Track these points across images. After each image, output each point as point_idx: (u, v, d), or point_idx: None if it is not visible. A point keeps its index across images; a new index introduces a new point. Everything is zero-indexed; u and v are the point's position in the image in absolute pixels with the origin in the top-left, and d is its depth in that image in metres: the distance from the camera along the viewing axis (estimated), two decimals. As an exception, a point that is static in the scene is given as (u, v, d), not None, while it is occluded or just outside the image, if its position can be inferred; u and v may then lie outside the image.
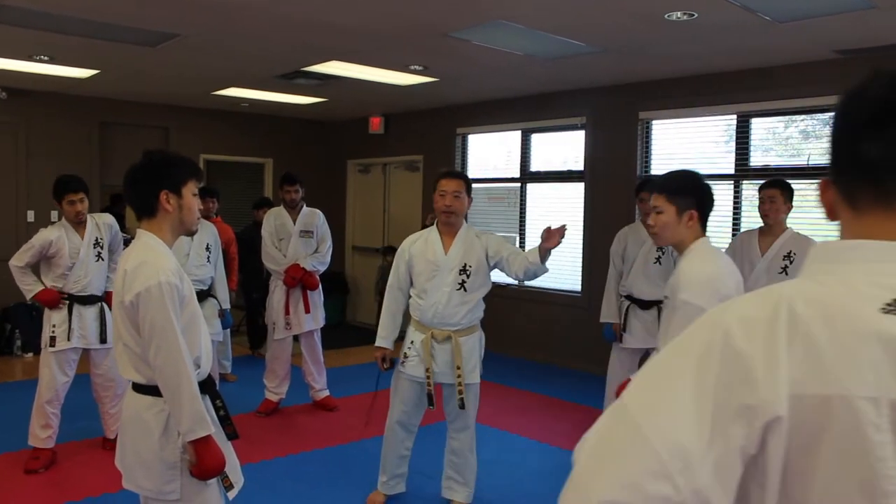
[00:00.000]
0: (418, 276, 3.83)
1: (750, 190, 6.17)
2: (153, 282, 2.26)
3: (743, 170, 6.26)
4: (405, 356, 3.86)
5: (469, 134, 8.61)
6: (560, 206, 7.71)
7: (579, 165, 7.43)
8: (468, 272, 3.73)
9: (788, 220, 4.57)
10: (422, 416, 4.01)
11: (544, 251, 3.50)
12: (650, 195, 4.94)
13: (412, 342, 3.85)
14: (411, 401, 3.88)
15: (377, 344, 3.95)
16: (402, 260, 3.92)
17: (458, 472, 3.96)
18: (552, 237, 3.47)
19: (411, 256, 3.88)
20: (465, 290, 3.73)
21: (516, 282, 8.02)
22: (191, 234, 2.57)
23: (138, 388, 2.39)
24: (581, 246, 7.39)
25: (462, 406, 3.76)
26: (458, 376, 3.73)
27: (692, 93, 6.45)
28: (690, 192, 2.57)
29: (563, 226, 3.48)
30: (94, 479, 4.31)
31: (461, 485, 3.96)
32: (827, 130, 5.84)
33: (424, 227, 8.30)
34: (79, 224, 4.60)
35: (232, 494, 2.49)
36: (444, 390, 3.87)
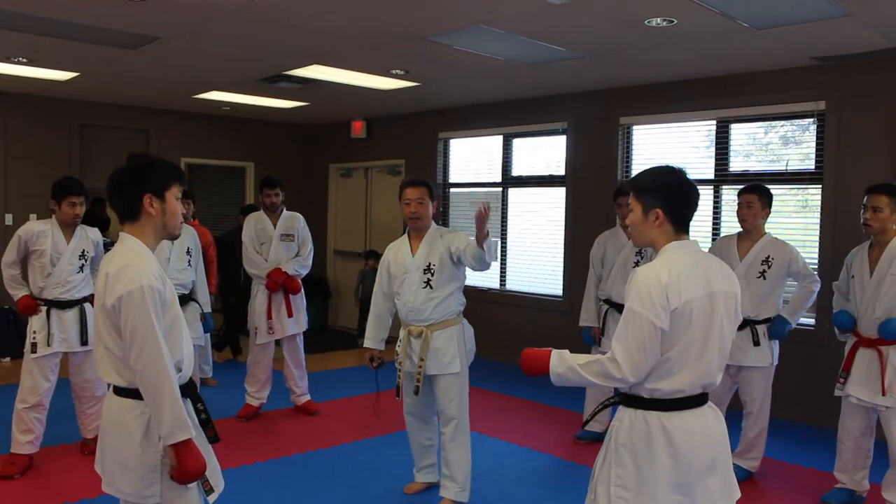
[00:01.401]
0: (394, 279, 4.13)
1: (729, 195, 6.23)
2: (135, 286, 2.26)
3: (722, 175, 6.32)
4: (397, 353, 4.14)
5: (451, 138, 8.62)
6: (541, 211, 7.75)
7: (561, 170, 7.47)
8: (432, 270, 3.98)
9: (767, 226, 4.61)
10: (434, 408, 4.19)
11: (480, 239, 3.68)
12: (627, 198, 5.02)
13: (400, 339, 4.12)
14: (411, 392, 4.10)
15: (364, 345, 4.29)
16: (383, 267, 4.23)
17: (446, 467, 4.08)
18: (478, 223, 3.63)
19: (388, 263, 4.20)
20: (430, 287, 3.98)
21: (497, 286, 8.05)
22: (174, 238, 2.56)
23: (119, 391, 2.38)
24: (562, 250, 7.42)
25: (416, 392, 4.01)
26: (420, 366, 3.98)
27: (672, 98, 6.50)
28: (656, 190, 2.41)
29: (485, 205, 3.60)
30: (72, 483, 4.28)
31: (449, 480, 4.07)
32: (806, 136, 5.92)
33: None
34: (70, 227, 4.58)
35: (212, 498, 2.47)
36: (430, 382, 4.07)
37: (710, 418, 2.38)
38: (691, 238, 2.45)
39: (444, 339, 3.98)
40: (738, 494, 2.46)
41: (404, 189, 4.04)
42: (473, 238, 3.71)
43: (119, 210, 2.43)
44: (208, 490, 2.44)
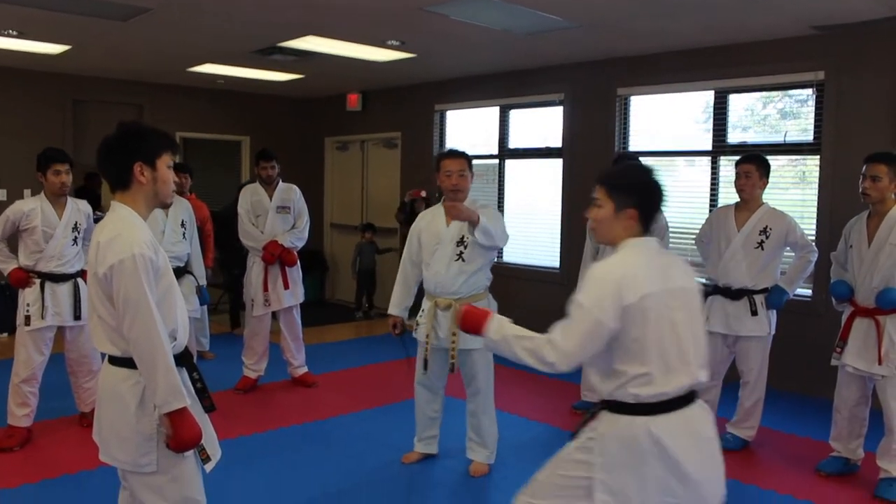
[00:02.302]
0: (424, 249, 4.11)
1: (727, 167, 6.20)
2: (127, 254, 2.24)
3: (720, 146, 6.29)
4: (417, 323, 4.16)
5: (447, 110, 8.56)
6: (538, 183, 7.72)
7: (557, 142, 7.43)
8: (465, 244, 3.97)
9: (764, 196, 4.59)
10: (444, 381, 4.22)
11: (471, 224, 3.82)
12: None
13: (423, 310, 4.11)
14: (433, 365, 4.11)
15: (389, 312, 4.26)
16: (414, 235, 4.21)
17: (475, 433, 4.20)
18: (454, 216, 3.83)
19: (420, 231, 4.18)
20: (463, 260, 3.98)
21: (494, 258, 8.03)
22: (165, 206, 2.54)
23: (114, 360, 2.37)
24: (559, 222, 7.41)
25: (452, 370, 4.02)
26: (453, 342, 3.95)
27: (670, 69, 6.45)
28: (633, 189, 2.33)
29: (448, 206, 3.81)
30: (70, 456, 4.29)
31: (479, 445, 4.21)
32: (804, 109, 5.88)
33: (403, 204, 8.37)
34: (59, 198, 4.54)
35: (209, 467, 2.48)
36: (458, 356, 4.07)
37: (699, 419, 2.33)
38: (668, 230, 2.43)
39: None
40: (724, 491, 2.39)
41: (443, 160, 4.03)
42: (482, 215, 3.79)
43: (110, 178, 2.41)
44: (205, 458, 2.44)
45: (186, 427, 2.30)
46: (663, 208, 2.46)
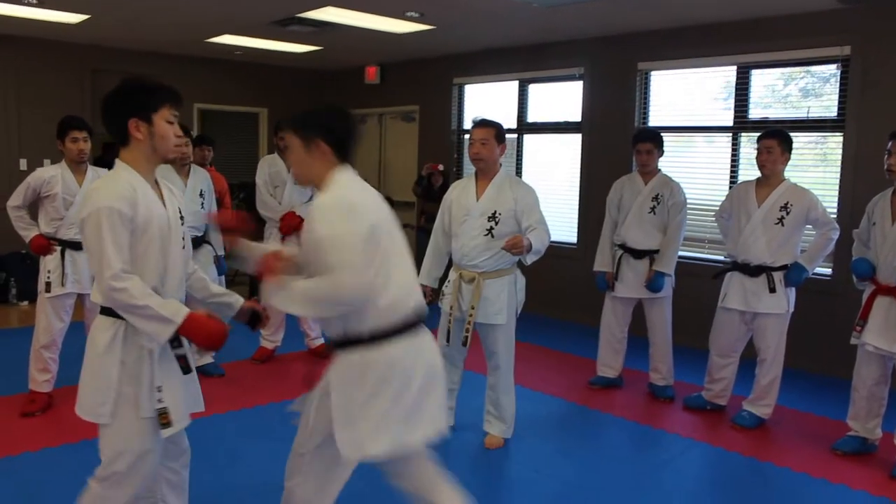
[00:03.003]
0: (453, 220, 4.07)
1: (748, 147, 6.12)
2: (94, 208, 2.26)
3: (742, 122, 6.21)
4: (442, 293, 4.15)
5: (466, 84, 8.51)
6: (556, 158, 7.67)
7: (576, 117, 7.37)
8: (497, 219, 3.92)
9: (786, 173, 4.53)
10: (465, 354, 4.17)
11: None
12: (647, 146, 4.95)
13: (449, 281, 4.11)
14: (455, 339, 4.08)
15: (419, 281, 4.27)
16: (446, 205, 4.17)
17: (493, 406, 4.20)
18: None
19: (451, 201, 4.13)
20: (492, 236, 3.91)
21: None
22: (169, 161, 2.55)
23: (101, 310, 2.42)
24: (577, 197, 7.37)
25: (464, 343, 4.00)
26: (470, 315, 3.94)
27: (692, 43, 6.37)
28: (316, 123, 2.41)
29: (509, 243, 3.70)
30: (89, 422, 4.33)
31: (497, 419, 4.21)
32: (827, 88, 5.78)
33: (420, 177, 8.34)
34: (79, 165, 4.56)
35: (167, 432, 2.42)
36: (478, 330, 4.07)
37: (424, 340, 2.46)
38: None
39: (496, 289, 3.94)
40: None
41: (471, 130, 4.00)
42: (532, 235, 3.76)
43: (112, 135, 2.43)
44: (165, 423, 2.40)
45: (196, 333, 2.34)
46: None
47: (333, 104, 2.48)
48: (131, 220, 2.29)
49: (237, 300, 2.73)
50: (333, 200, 2.32)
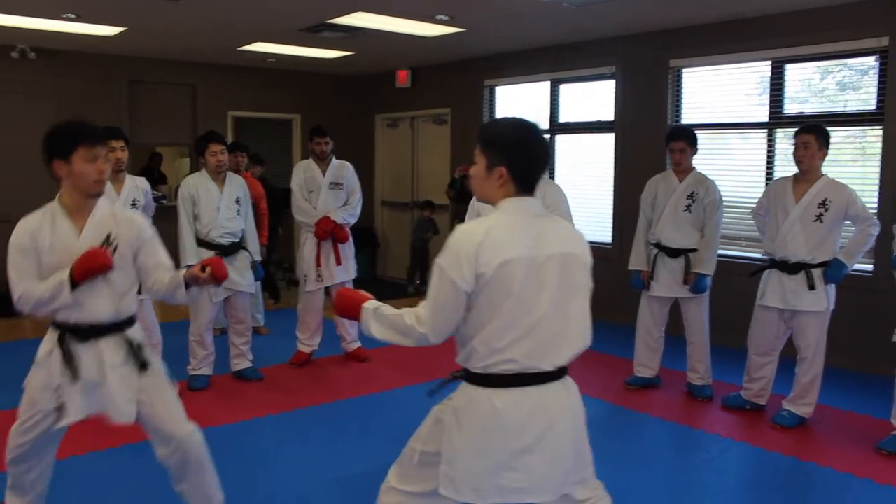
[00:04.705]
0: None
1: (784, 143, 6.03)
2: (10, 240, 2.68)
3: (777, 118, 6.13)
4: None
5: (497, 86, 8.51)
6: (590, 158, 7.64)
7: (609, 116, 7.33)
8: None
9: (823, 169, 4.47)
10: None
11: None
12: (680, 144, 4.92)
13: None
14: None
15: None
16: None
17: None
18: None
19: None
20: None
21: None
22: (94, 196, 2.75)
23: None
24: (611, 197, 7.33)
25: None
26: None
27: (724, 39, 6.30)
28: (502, 147, 2.21)
29: None
30: (130, 427, 4.41)
31: None
32: (864, 80, 5.68)
33: (453, 180, 8.37)
34: (118, 174, 4.65)
35: (59, 424, 2.78)
36: None
37: (555, 397, 2.27)
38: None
39: None
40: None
41: None
42: None
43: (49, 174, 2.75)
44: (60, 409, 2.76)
45: (81, 266, 2.63)
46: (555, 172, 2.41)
47: (523, 120, 2.25)
48: (34, 249, 2.66)
49: (179, 275, 2.84)
50: (462, 231, 2.19)
